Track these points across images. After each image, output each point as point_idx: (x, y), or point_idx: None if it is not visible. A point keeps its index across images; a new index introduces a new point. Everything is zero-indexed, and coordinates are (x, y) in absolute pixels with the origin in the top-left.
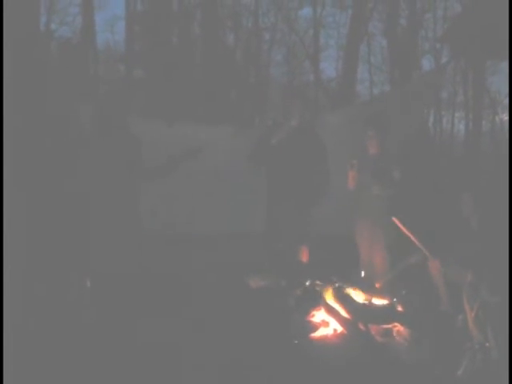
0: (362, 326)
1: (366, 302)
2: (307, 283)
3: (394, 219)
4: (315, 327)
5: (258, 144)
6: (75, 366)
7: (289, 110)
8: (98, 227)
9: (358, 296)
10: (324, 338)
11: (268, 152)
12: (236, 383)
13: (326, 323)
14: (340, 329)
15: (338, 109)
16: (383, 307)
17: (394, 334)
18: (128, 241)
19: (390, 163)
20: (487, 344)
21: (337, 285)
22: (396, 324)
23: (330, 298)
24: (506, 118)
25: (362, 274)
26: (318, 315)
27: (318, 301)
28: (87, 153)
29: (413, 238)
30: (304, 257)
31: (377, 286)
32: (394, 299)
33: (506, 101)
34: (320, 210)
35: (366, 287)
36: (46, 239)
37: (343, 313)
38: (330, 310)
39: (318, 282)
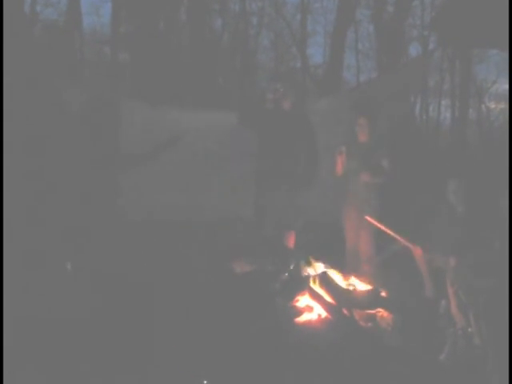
0: (346, 311)
1: (351, 287)
2: (292, 268)
3: (367, 218)
4: (299, 312)
5: (250, 105)
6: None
7: (280, 94)
8: (78, 213)
9: (343, 281)
10: (308, 323)
11: (260, 114)
12: (221, 367)
13: (311, 308)
14: (324, 314)
15: (326, 95)
16: (367, 293)
17: (378, 320)
18: (110, 227)
19: (379, 151)
20: (469, 329)
21: (322, 270)
22: (380, 309)
23: (314, 283)
24: (492, 106)
25: (347, 259)
26: (303, 300)
27: (302, 286)
28: (72, 136)
29: (389, 231)
30: (291, 242)
31: (363, 270)
32: (378, 285)
33: (493, 89)
34: (307, 196)
35: (351, 272)
36: (26, 225)
37: (327, 298)
38: (315, 295)
39: (303, 267)
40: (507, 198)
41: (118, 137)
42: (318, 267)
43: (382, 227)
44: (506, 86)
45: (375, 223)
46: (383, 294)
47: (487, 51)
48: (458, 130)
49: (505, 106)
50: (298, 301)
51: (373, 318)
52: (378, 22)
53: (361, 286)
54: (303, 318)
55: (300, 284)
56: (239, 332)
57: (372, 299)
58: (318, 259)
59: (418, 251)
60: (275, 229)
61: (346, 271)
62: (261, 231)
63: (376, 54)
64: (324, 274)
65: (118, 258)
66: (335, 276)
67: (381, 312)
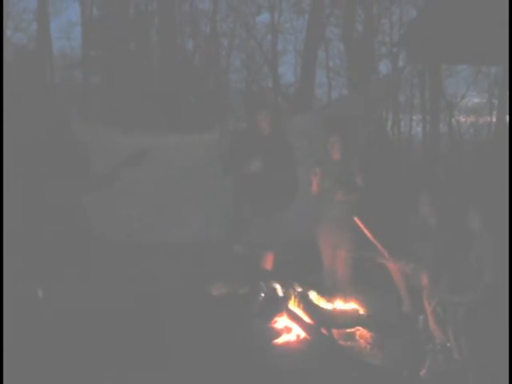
0: (324, 331)
1: (329, 306)
2: (269, 289)
3: (356, 219)
4: (278, 333)
5: (231, 154)
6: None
7: (258, 120)
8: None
9: (321, 301)
10: (287, 344)
11: (241, 160)
12: None
13: (289, 329)
14: (303, 334)
15: (298, 113)
16: (346, 312)
17: (357, 338)
18: (77, 248)
19: (352, 168)
20: (448, 344)
21: (299, 290)
22: (359, 328)
23: (292, 303)
24: (463, 119)
25: (324, 278)
26: (281, 321)
27: (280, 307)
28: (36, 159)
29: (373, 239)
30: (269, 263)
31: (341, 289)
32: (356, 303)
33: (462, 103)
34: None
35: (329, 292)
36: None
37: (306, 318)
38: (293, 316)
39: (280, 288)
40: (478, 210)
41: (84, 160)
42: (296, 288)
43: (367, 232)
44: (476, 100)
45: (362, 227)
46: (362, 312)
47: (456, 66)
48: (429, 143)
49: (474, 119)
50: (276, 322)
51: (352, 336)
52: (347, 39)
53: (339, 305)
54: (282, 339)
55: (278, 305)
56: (217, 354)
57: (351, 318)
58: (295, 279)
59: (394, 265)
60: (253, 249)
61: (323, 290)
62: (236, 252)
63: (347, 71)
64: (302, 294)
65: (93, 281)
66: (313, 296)
67: (360, 330)
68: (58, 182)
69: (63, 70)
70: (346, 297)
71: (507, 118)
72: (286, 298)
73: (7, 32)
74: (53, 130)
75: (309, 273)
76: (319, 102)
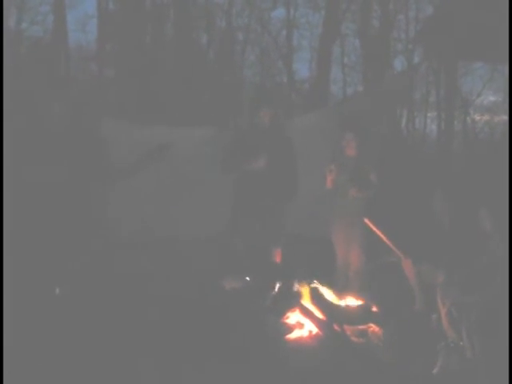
0: (337, 327)
1: (341, 302)
2: (282, 284)
3: (366, 220)
4: (290, 329)
5: (230, 153)
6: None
7: (259, 114)
8: (64, 231)
9: (333, 297)
10: (299, 340)
11: (240, 159)
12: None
13: (301, 325)
14: (315, 330)
15: (312, 109)
16: (358, 308)
17: (370, 335)
18: (96, 244)
19: (367, 165)
20: (461, 343)
21: (312, 286)
22: (371, 325)
23: (305, 299)
24: (478, 117)
25: (337, 275)
26: (293, 317)
27: (293, 302)
28: (56, 153)
29: (385, 238)
30: (277, 258)
31: (354, 285)
32: (369, 299)
33: (478, 101)
34: (296, 210)
35: (342, 288)
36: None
37: (318, 314)
38: (305, 312)
39: (293, 284)
40: (488, 209)
41: (104, 153)
42: (309, 283)
43: (379, 233)
44: (491, 98)
45: (373, 227)
46: (374, 308)
47: (472, 64)
48: (443, 141)
49: (489, 117)
50: (288, 317)
51: (364, 333)
52: (363, 36)
53: (352, 301)
54: (294, 334)
55: (290, 300)
56: (229, 349)
57: (363, 314)
58: (308, 275)
59: (407, 263)
60: (260, 245)
61: (336, 286)
62: (244, 247)
63: (362, 67)
64: (315, 289)
65: (107, 273)
66: (326, 292)
67: (372, 327)
68: (77, 176)
69: (79, 63)
70: (358, 293)
71: None
72: (298, 294)
73: (22, 25)
74: (69, 123)
75: (322, 269)
76: (334, 98)
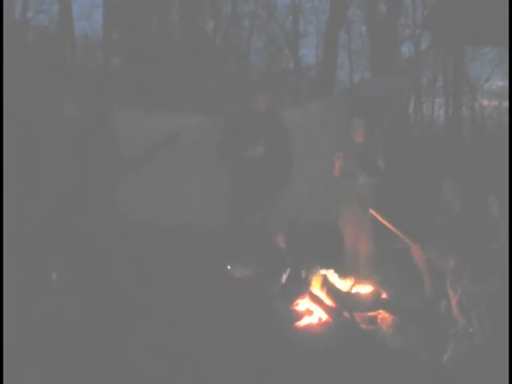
0: (346, 314)
1: (351, 289)
2: (291, 272)
3: (371, 211)
4: (300, 316)
5: (226, 140)
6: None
7: (257, 101)
8: (79, 220)
9: (343, 284)
10: (309, 327)
11: (237, 146)
12: (220, 372)
13: (311, 312)
14: (325, 317)
15: (319, 96)
16: (368, 294)
17: (379, 322)
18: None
19: (375, 151)
20: (471, 330)
21: (322, 273)
22: (381, 311)
23: (314, 286)
24: (486, 103)
25: (346, 261)
26: (303, 304)
27: (302, 289)
28: (65, 143)
29: (391, 227)
30: (281, 243)
31: (363, 272)
32: (378, 286)
33: (486, 86)
34: (302, 197)
35: (351, 275)
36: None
37: (328, 301)
38: (315, 299)
39: (302, 271)
40: (497, 196)
41: (113, 142)
42: (318, 270)
43: (385, 222)
44: (500, 83)
45: (379, 218)
46: (384, 295)
47: (480, 48)
48: (451, 127)
49: (498, 103)
50: (297, 304)
51: (374, 320)
52: (370, 21)
53: (361, 287)
54: (303, 321)
55: (300, 287)
56: (238, 337)
57: (373, 301)
58: (317, 262)
59: (417, 250)
60: (263, 231)
61: (345, 273)
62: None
63: (369, 53)
64: (324, 276)
65: (117, 261)
66: (335, 278)
67: (382, 314)
68: (87, 164)
69: (85, 52)
70: (368, 280)
71: None
72: (308, 281)
73: (27, 13)
74: (77, 112)
75: (332, 256)
76: (341, 85)
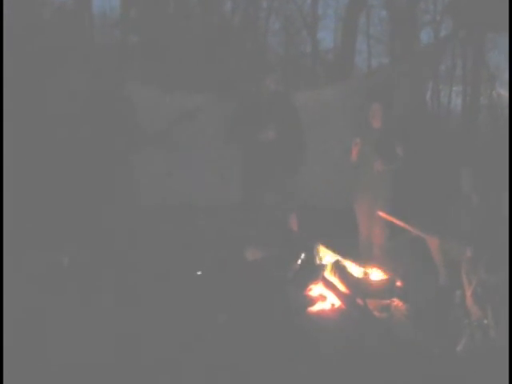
0: (360, 301)
1: (365, 276)
2: (305, 256)
3: (380, 213)
4: (312, 301)
5: (235, 123)
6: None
7: (268, 83)
8: (95, 197)
9: (357, 270)
10: (321, 313)
11: (247, 130)
12: (232, 358)
13: (324, 297)
14: (338, 303)
15: (335, 80)
16: (382, 282)
17: (393, 310)
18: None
19: (392, 138)
20: (485, 321)
21: (335, 259)
22: (395, 299)
23: (328, 272)
24: (504, 93)
25: (360, 248)
26: (316, 289)
27: (315, 274)
28: (82, 119)
29: (404, 225)
30: (294, 225)
31: (377, 258)
32: (393, 274)
33: (505, 76)
34: (316, 181)
35: (365, 262)
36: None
37: (341, 287)
38: (328, 284)
39: (316, 256)
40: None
41: (131, 118)
42: (332, 256)
43: (395, 221)
44: None
45: (388, 218)
46: (398, 283)
47: (499, 38)
48: (469, 116)
49: None
50: (310, 290)
51: (387, 308)
52: (390, 6)
53: (375, 275)
54: (316, 307)
55: (313, 272)
56: (250, 322)
57: (387, 289)
58: (331, 247)
59: (434, 242)
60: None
61: (359, 259)
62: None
63: (388, 39)
64: (338, 262)
65: (133, 241)
66: (349, 265)
67: (395, 302)
68: (106, 140)
69: (103, 29)
70: (382, 267)
71: None
72: (322, 267)
73: None
74: (96, 89)
75: (346, 242)
76: (358, 70)
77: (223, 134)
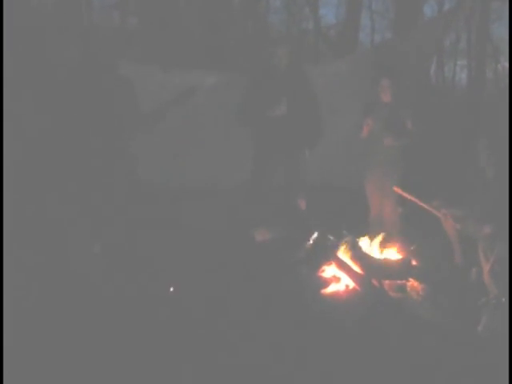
0: (375, 282)
1: (380, 256)
2: (316, 236)
3: (395, 188)
4: (326, 283)
5: (247, 101)
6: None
7: (278, 56)
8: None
9: (371, 250)
10: (335, 294)
11: (259, 108)
12: (244, 339)
13: (338, 279)
14: (352, 284)
15: (339, 56)
16: (398, 262)
17: (409, 290)
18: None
19: (402, 113)
20: (504, 299)
21: (348, 238)
22: (410, 279)
23: (341, 252)
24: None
25: (371, 226)
26: (329, 270)
27: (328, 255)
28: (81, 100)
29: (420, 203)
30: (302, 205)
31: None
32: (407, 253)
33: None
34: (326, 159)
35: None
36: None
37: (356, 268)
38: (342, 265)
39: (328, 236)
40: None
41: (129, 99)
42: (345, 236)
43: (410, 197)
44: None
45: (403, 194)
46: (414, 262)
47: (503, 11)
48: (474, 90)
49: None
50: (323, 271)
51: (403, 288)
52: None
53: (391, 254)
54: (330, 288)
55: (325, 253)
56: (261, 304)
57: (403, 269)
58: (344, 227)
59: (448, 219)
60: (284, 193)
61: (371, 239)
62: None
63: (391, 13)
64: (351, 242)
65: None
66: (363, 245)
67: (411, 282)
68: (106, 122)
69: (101, 10)
70: (394, 246)
71: None
72: (334, 246)
73: None
74: (96, 69)
75: (359, 221)
76: (361, 46)
77: (234, 112)
